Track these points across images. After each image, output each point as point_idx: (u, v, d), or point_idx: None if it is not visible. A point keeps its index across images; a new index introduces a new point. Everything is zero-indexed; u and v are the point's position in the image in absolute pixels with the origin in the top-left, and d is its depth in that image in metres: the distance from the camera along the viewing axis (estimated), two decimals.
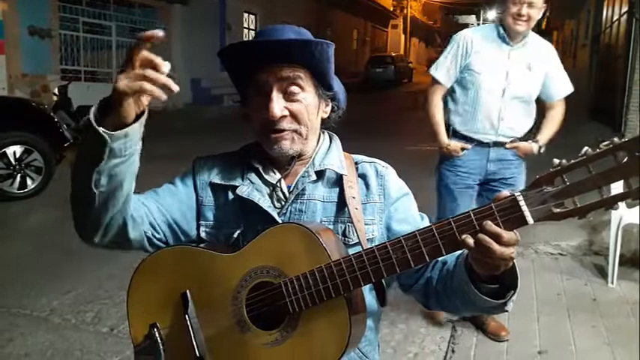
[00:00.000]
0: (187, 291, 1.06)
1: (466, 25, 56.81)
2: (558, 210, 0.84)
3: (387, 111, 14.50)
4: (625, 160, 0.81)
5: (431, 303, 1.07)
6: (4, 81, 9.17)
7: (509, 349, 2.73)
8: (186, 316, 1.04)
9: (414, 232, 0.91)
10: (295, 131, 1.06)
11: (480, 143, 2.74)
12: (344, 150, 1.19)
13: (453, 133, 2.79)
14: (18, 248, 4.15)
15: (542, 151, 2.73)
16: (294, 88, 1.04)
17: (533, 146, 2.71)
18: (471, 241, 0.86)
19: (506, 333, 2.82)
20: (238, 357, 1.01)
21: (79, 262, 3.72)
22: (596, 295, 3.32)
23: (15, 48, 9.47)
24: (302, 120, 1.06)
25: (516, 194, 0.85)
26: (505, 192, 0.87)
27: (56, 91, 8.21)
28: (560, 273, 3.65)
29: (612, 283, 3.41)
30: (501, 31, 2.64)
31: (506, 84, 2.64)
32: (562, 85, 2.79)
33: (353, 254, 0.94)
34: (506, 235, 0.85)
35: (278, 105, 1.03)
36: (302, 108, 1.05)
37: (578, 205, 0.84)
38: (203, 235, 1.13)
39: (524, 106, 2.73)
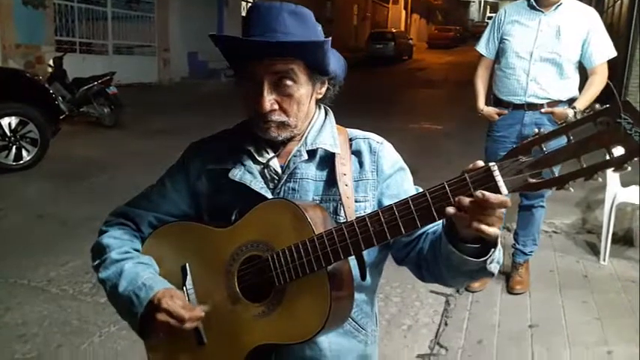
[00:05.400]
0: (187, 264, 1.09)
1: (467, 3, 56.00)
2: (534, 180, 0.81)
3: (386, 88, 14.39)
4: (605, 127, 0.76)
5: (423, 273, 1.08)
6: None
7: (500, 323, 2.78)
8: (184, 287, 1.07)
9: (391, 204, 0.91)
10: (283, 122, 1.06)
11: (515, 107, 2.92)
12: (342, 126, 1.18)
13: (494, 100, 3.03)
14: (14, 220, 4.15)
15: (578, 117, 2.78)
16: (286, 82, 1.03)
17: (568, 112, 2.75)
18: (465, 202, 0.84)
19: (521, 287, 3.07)
20: (230, 327, 1.04)
21: (76, 234, 3.74)
22: (588, 272, 3.37)
23: (8, 18, 9.28)
24: (291, 112, 1.06)
25: (491, 164, 0.83)
26: (480, 162, 0.85)
27: (51, 62, 8.09)
28: (554, 250, 3.70)
29: (604, 260, 3.46)
30: (531, 0, 2.86)
31: (534, 47, 2.83)
32: (600, 51, 2.82)
33: (334, 227, 0.95)
34: (498, 199, 0.83)
35: (268, 98, 1.02)
36: (292, 101, 1.05)
37: (556, 175, 0.81)
38: (206, 219, 1.15)
39: (557, 69, 2.83)
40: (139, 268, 1.09)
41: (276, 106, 1.04)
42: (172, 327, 1.01)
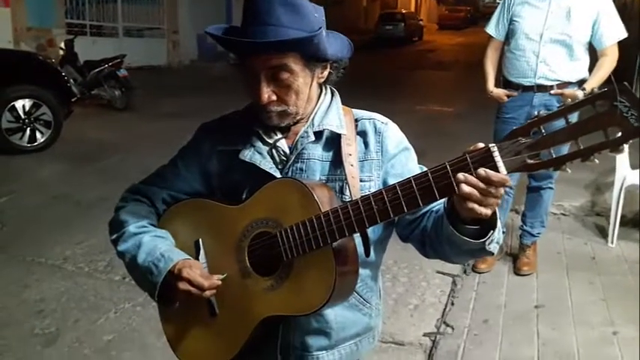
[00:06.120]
0: (200, 239, 1.14)
1: None
2: (532, 161, 0.84)
3: (396, 70, 14.27)
4: (603, 109, 0.78)
5: (427, 250, 1.12)
6: (9, 34, 9.09)
7: (507, 303, 2.82)
8: (198, 261, 1.12)
9: (394, 184, 0.94)
10: (283, 111, 1.08)
11: (525, 89, 2.93)
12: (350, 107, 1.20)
13: (503, 82, 3.05)
14: (30, 200, 4.24)
15: None
16: (282, 74, 1.04)
17: (577, 93, 2.74)
18: (465, 187, 0.87)
19: (528, 268, 3.11)
20: (240, 300, 1.09)
21: (90, 214, 3.83)
22: (596, 253, 3.39)
23: (19, 1, 9.32)
24: (290, 101, 1.08)
25: (491, 145, 0.86)
26: (481, 143, 0.88)
27: (62, 45, 8.14)
28: (562, 232, 3.71)
29: (612, 242, 3.47)
30: None
31: (544, 28, 2.81)
32: (611, 32, 2.80)
33: (340, 206, 0.98)
34: (499, 177, 0.85)
35: (266, 91, 1.05)
36: (290, 91, 1.07)
37: (554, 156, 0.83)
38: (218, 197, 1.18)
39: (567, 51, 2.83)
40: (157, 241, 1.14)
41: (274, 97, 1.06)
42: (192, 295, 1.06)
